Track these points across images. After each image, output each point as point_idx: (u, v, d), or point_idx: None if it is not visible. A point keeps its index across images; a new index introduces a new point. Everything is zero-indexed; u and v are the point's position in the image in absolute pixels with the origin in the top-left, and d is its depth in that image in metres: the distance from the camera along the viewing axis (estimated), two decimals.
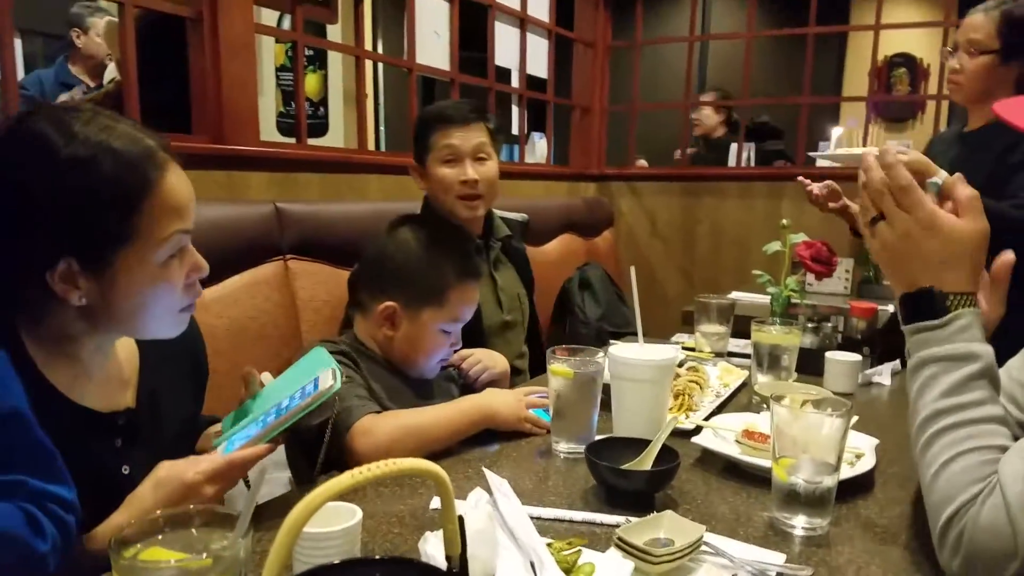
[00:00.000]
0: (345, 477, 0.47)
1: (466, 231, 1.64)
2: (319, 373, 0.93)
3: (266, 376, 0.99)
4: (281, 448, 1.45)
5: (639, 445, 1.02)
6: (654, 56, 3.73)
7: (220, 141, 1.92)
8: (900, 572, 0.82)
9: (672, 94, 4.74)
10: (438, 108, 1.80)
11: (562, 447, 1.14)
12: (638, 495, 0.96)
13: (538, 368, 1.97)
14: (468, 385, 1.49)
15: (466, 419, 1.17)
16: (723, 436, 1.12)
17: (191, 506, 0.66)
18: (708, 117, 4.18)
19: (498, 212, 1.93)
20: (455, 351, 1.41)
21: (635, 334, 1.14)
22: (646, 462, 0.99)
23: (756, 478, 1.03)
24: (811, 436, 0.88)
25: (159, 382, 0.99)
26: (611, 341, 1.81)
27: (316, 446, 1.11)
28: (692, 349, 1.71)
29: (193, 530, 0.64)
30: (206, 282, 1.66)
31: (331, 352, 1.24)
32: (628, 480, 0.96)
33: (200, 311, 1.46)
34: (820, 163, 1.91)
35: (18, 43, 5.05)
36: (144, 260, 0.81)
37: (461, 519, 0.52)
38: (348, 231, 1.91)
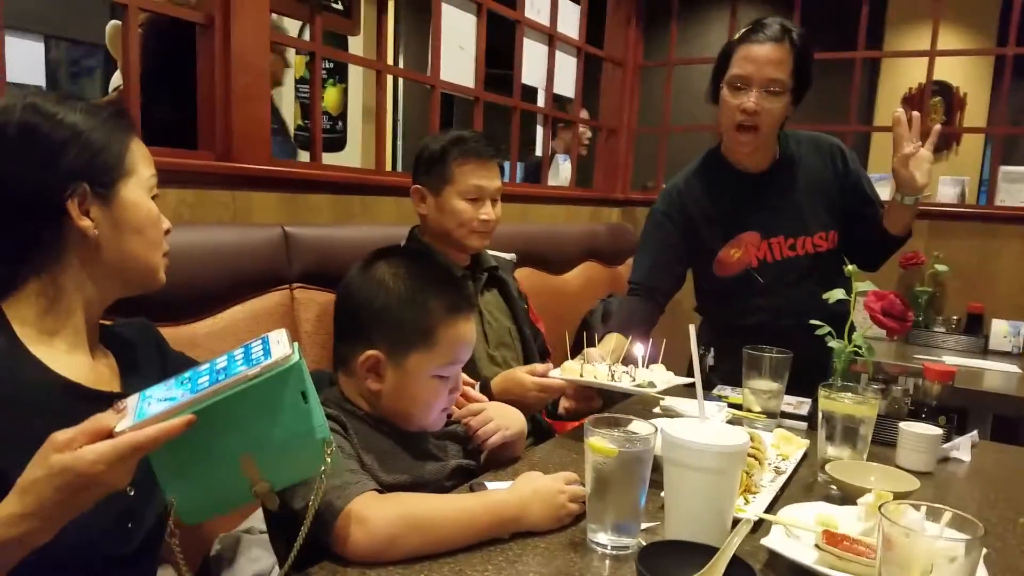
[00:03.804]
0: None
1: (449, 265, 1.51)
2: (269, 335, 0.76)
3: None
4: (263, 530, 1.24)
5: (700, 549, 0.84)
6: (676, 76, 3.56)
7: (227, 159, 1.76)
8: None
9: (692, 116, 4.55)
10: (462, 141, 1.72)
11: (601, 538, 0.96)
12: None
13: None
14: (476, 447, 1.29)
15: (493, 517, 0.96)
16: (797, 535, 0.94)
17: None
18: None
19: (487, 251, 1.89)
20: (456, 398, 1.21)
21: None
22: None
23: None
24: (932, 561, 0.70)
25: (139, 380, 0.93)
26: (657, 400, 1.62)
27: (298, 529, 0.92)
28: (739, 406, 1.52)
29: None
30: (202, 314, 1.52)
31: None
32: None
33: (191, 347, 1.31)
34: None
35: (40, 47, 4.98)
36: (139, 193, 0.95)
37: None
38: (361, 257, 1.76)
